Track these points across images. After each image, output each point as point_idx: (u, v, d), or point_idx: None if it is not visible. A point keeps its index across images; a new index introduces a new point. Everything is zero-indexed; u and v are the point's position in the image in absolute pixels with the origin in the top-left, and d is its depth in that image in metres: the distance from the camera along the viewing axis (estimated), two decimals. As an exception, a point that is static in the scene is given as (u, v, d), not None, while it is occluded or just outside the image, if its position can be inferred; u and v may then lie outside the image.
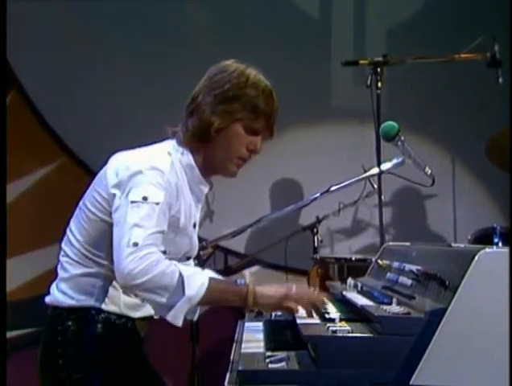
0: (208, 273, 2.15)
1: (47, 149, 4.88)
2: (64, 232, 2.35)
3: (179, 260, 2.25)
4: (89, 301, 2.24)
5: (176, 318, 2.07)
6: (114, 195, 2.17)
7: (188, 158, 2.26)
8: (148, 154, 2.22)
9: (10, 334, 4.40)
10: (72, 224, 2.31)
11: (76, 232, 2.28)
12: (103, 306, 2.23)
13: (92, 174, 4.84)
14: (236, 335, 2.44)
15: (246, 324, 2.57)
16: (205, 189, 2.33)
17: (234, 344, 2.30)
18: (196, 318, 2.23)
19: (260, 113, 2.24)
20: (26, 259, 4.84)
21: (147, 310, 2.26)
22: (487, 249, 1.89)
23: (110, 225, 2.17)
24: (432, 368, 1.83)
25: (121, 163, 2.22)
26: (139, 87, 4.78)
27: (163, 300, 2.05)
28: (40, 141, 4.91)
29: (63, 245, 2.32)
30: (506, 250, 1.89)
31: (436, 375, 1.83)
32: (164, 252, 2.11)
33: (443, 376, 1.84)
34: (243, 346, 2.20)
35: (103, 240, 2.20)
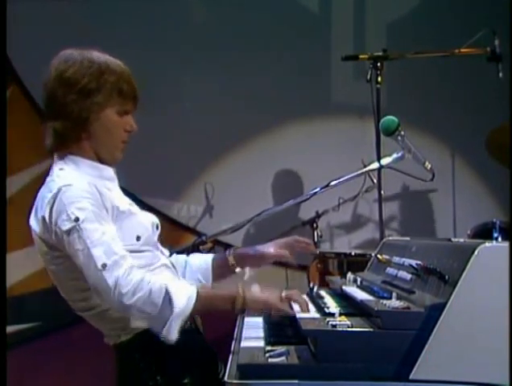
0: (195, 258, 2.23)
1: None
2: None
3: (154, 236, 2.26)
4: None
5: (170, 334, 2.05)
6: (49, 236, 2.12)
7: (79, 160, 2.22)
8: (46, 186, 2.20)
9: (9, 329, 4.40)
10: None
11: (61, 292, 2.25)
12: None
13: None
14: (236, 330, 2.44)
15: (246, 319, 2.57)
16: (110, 171, 2.28)
17: (234, 339, 2.31)
18: None
19: (127, 95, 2.24)
20: (26, 253, 4.84)
21: None
22: (487, 244, 1.89)
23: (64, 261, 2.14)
24: (432, 363, 1.83)
25: (33, 213, 2.19)
26: (138, 81, 4.77)
27: (155, 318, 2.04)
28: (40, 136, 4.90)
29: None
30: (506, 245, 1.89)
31: (436, 369, 1.84)
32: (138, 238, 2.16)
33: (442, 371, 1.84)
34: (243, 340, 2.21)
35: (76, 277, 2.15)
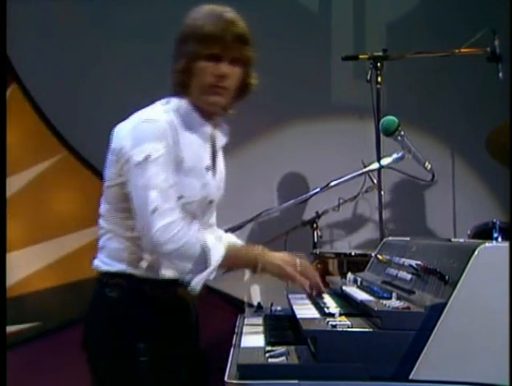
0: (228, 238, 2.35)
1: (47, 143, 4.89)
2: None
3: (201, 206, 2.33)
4: (122, 267, 2.28)
5: (197, 285, 2.19)
6: (121, 162, 2.24)
7: (181, 103, 2.32)
8: (139, 112, 2.30)
9: (9, 329, 4.40)
10: (101, 205, 2.37)
11: (102, 207, 2.35)
12: (137, 272, 2.27)
13: (92, 168, 4.91)
14: (236, 330, 2.44)
15: (246, 319, 2.57)
16: (207, 129, 2.37)
17: (234, 339, 2.31)
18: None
19: (210, 38, 2.27)
20: (25, 253, 4.84)
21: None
22: (487, 244, 1.89)
23: (123, 186, 2.24)
24: (432, 363, 1.83)
25: (117, 132, 2.31)
26: (139, 81, 4.77)
27: (188, 268, 2.17)
28: (40, 136, 4.91)
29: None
30: (506, 245, 1.89)
31: (436, 369, 1.84)
32: (180, 197, 2.21)
33: (442, 371, 1.84)
34: (243, 340, 2.21)
35: (125, 204, 2.26)
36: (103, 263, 2.32)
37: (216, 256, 2.18)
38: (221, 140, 2.47)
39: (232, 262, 2.26)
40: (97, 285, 2.31)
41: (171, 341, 2.31)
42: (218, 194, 2.44)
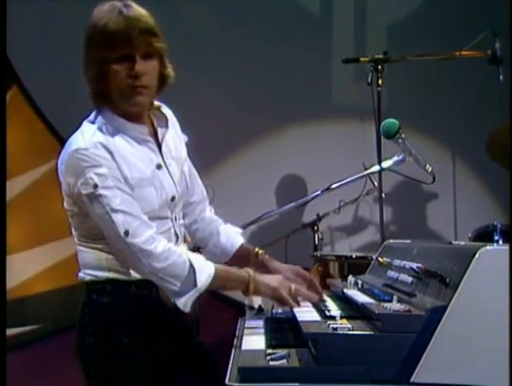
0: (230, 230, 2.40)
1: (47, 146, 4.88)
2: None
3: (165, 208, 2.27)
4: (104, 274, 2.26)
5: (186, 305, 2.18)
6: (74, 197, 2.21)
7: (105, 117, 2.25)
8: (69, 141, 2.24)
9: (10, 332, 4.40)
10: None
11: (73, 231, 2.33)
12: (118, 276, 2.25)
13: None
14: (236, 333, 2.44)
15: (247, 321, 2.57)
16: (142, 130, 2.28)
17: (235, 341, 2.30)
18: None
19: (116, 40, 2.15)
20: (26, 256, 4.84)
21: None
22: (488, 247, 1.89)
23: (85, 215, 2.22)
24: (433, 366, 1.83)
25: (59, 166, 2.25)
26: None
27: (175, 288, 2.14)
28: (41, 138, 4.91)
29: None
30: (507, 248, 1.89)
31: (437, 372, 1.83)
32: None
33: (443, 374, 1.83)
34: (244, 343, 2.20)
35: (91, 230, 2.25)
36: (86, 274, 2.31)
37: (205, 276, 2.16)
38: (163, 132, 2.35)
39: (223, 283, 2.25)
40: (84, 293, 2.31)
41: (163, 339, 2.29)
42: (180, 187, 2.35)
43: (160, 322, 2.30)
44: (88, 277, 2.30)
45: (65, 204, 2.29)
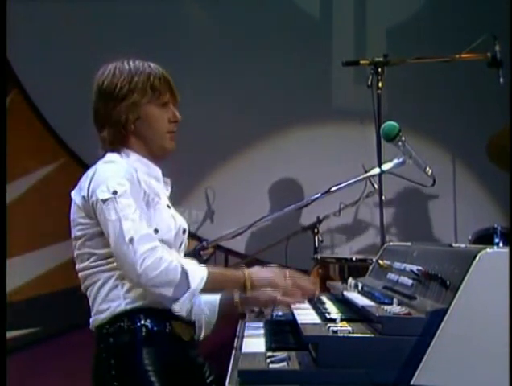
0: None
1: (47, 148, 4.88)
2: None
3: (177, 237, 2.32)
4: (120, 305, 2.23)
5: (181, 309, 2.20)
6: (88, 208, 2.23)
7: (128, 152, 2.32)
8: (93, 167, 2.29)
9: (9, 335, 4.40)
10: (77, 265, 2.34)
11: (79, 262, 2.32)
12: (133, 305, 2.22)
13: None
14: (237, 335, 2.44)
15: (247, 324, 2.57)
16: (158, 170, 2.38)
17: (235, 344, 2.30)
18: (202, 337, 2.39)
19: (160, 89, 2.33)
20: (26, 259, 4.84)
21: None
22: (488, 249, 1.89)
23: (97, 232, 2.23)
24: (433, 369, 1.83)
25: (80, 185, 2.30)
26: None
27: (170, 294, 2.14)
28: (41, 141, 4.91)
29: (82, 288, 2.34)
30: (507, 250, 1.89)
31: (437, 375, 1.83)
32: (156, 231, 2.21)
33: (443, 377, 1.84)
34: (244, 346, 2.21)
35: (100, 245, 2.25)
36: (100, 312, 2.25)
37: (198, 279, 2.17)
38: (168, 189, 2.44)
39: (219, 285, 2.27)
40: (98, 340, 2.25)
41: (182, 372, 2.26)
42: (184, 222, 2.41)
43: (178, 356, 2.26)
44: (101, 316, 2.24)
45: (75, 231, 2.29)
